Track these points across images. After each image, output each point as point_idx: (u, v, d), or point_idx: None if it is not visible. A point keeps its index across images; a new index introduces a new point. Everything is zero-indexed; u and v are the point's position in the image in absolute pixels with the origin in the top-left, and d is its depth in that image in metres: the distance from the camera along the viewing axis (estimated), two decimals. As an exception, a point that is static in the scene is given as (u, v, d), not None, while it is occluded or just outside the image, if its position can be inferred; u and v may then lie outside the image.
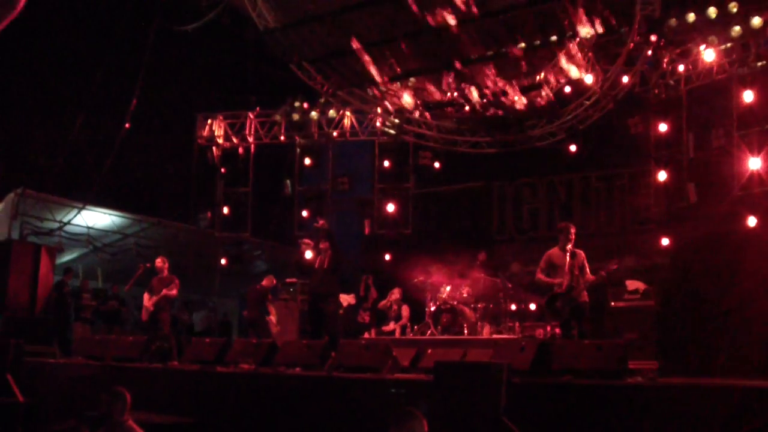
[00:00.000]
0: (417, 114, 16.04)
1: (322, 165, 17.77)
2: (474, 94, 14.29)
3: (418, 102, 15.30)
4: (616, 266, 10.21)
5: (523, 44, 13.69)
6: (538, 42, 13.69)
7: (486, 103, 14.47)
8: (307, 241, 11.68)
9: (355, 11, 14.37)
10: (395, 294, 14.31)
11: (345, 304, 14.75)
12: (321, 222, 11.63)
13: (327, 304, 11.30)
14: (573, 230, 10.10)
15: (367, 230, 17.61)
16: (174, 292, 13.08)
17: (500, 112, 14.58)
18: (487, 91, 14.28)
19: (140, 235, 19.63)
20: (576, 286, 9.82)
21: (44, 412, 9.73)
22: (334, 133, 17.45)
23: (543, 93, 14.08)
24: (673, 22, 13.25)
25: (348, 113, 17.26)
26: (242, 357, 10.44)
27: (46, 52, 18.29)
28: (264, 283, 15.02)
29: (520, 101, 14.14)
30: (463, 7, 13.09)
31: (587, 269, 10.01)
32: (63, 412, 9.79)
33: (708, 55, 13.47)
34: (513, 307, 13.94)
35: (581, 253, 10.08)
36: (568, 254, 9.97)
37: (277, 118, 17.30)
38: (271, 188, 18.24)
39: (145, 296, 13.18)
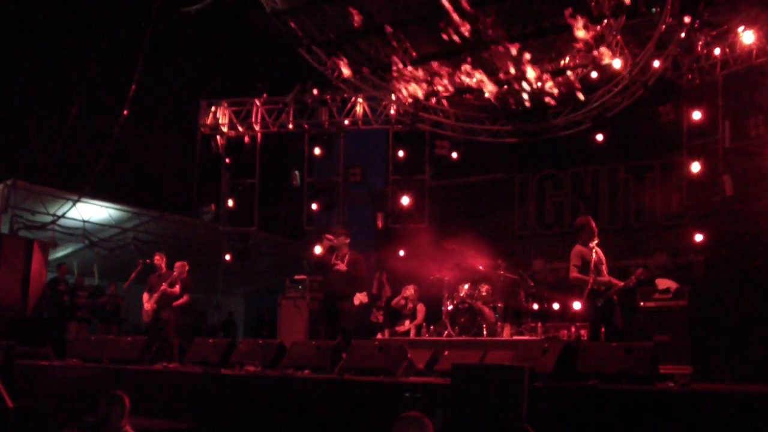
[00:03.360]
0: (433, 101, 15.98)
1: (333, 155, 17.75)
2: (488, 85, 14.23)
3: (436, 89, 15.24)
4: (640, 271, 10.20)
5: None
6: (561, 23, 13.59)
7: (507, 89, 14.38)
8: (330, 237, 11.94)
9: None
10: (410, 290, 14.29)
11: (357, 302, 14.75)
12: (343, 231, 12.12)
13: (343, 305, 11.64)
14: (594, 224, 10.16)
15: (380, 224, 17.61)
16: (176, 289, 13.15)
17: (525, 99, 14.43)
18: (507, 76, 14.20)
19: (139, 229, 19.72)
20: (607, 284, 9.86)
21: (37, 418, 9.77)
22: (346, 122, 17.41)
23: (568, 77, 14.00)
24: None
25: (360, 100, 17.23)
26: (248, 358, 10.48)
27: (41, 36, 18.36)
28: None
29: (546, 85, 14.04)
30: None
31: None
32: (58, 418, 9.84)
33: (746, 37, 13.36)
34: (535, 306, 13.91)
35: (600, 251, 10.12)
36: (593, 251, 10.00)
37: (288, 100, 17.24)
38: (278, 180, 18.25)
39: (145, 295, 13.24)
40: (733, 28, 13.50)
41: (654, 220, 15.84)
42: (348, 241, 11.94)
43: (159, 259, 13.35)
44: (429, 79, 14.93)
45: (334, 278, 11.72)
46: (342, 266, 11.64)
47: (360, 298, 14.61)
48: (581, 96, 13.87)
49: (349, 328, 11.61)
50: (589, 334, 10.50)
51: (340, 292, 11.68)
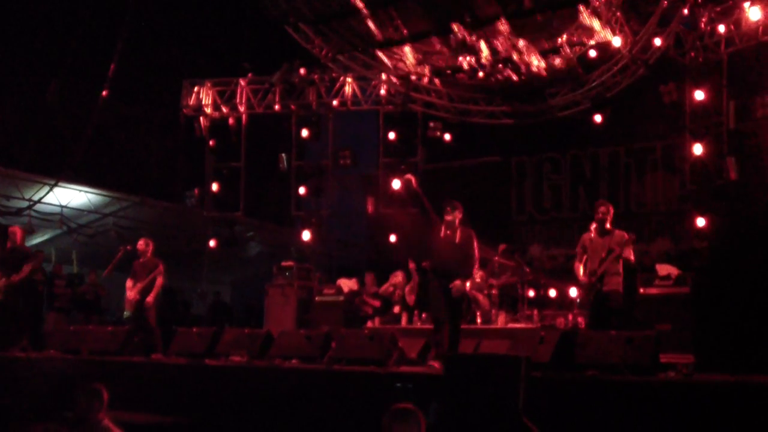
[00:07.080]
0: (425, 80, 15.93)
1: (322, 137, 17.67)
2: (485, 52, 14.16)
3: (427, 66, 15.22)
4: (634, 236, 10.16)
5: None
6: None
7: (501, 67, 14.35)
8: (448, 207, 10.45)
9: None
10: (398, 277, 14.28)
11: (346, 290, 14.75)
12: (458, 204, 10.52)
13: (455, 284, 9.98)
14: (601, 209, 10.09)
15: (370, 209, 17.56)
16: (160, 280, 13.03)
17: (515, 77, 14.42)
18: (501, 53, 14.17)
19: (120, 214, 19.67)
20: (599, 271, 9.81)
21: (14, 413, 9.75)
22: (335, 102, 17.34)
23: (564, 56, 13.99)
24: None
25: (349, 79, 17.16)
26: (234, 348, 10.49)
27: (14, 11, 18.20)
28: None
29: (539, 65, 14.02)
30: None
31: (626, 253, 9.87)
32: (36, 413, 9.81)
33: (753, 13, 13.29)
34: (531, 293, 13.92)
35: (619, 235, 9.96)
36: (594, 235, 10.01)
37: (274, 80, 17.11)
38: (265, 163, 18.19)
39: (128, 283, 13.12)
40: (739, 3, 13.44)
41: (656, 204, 15.88)
42: (461, 216, 10.47)
43: (144, 245, 13.16)
44: (421, 57, 14.92)
45: (447, 253, 10.24)
46: (456, 238, 10.24)
47: (349, 285, 14.62)
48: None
49: (460, 310, 10.30)
50: (587, 322, 10.53)
51: (452, 270, 10.07)
